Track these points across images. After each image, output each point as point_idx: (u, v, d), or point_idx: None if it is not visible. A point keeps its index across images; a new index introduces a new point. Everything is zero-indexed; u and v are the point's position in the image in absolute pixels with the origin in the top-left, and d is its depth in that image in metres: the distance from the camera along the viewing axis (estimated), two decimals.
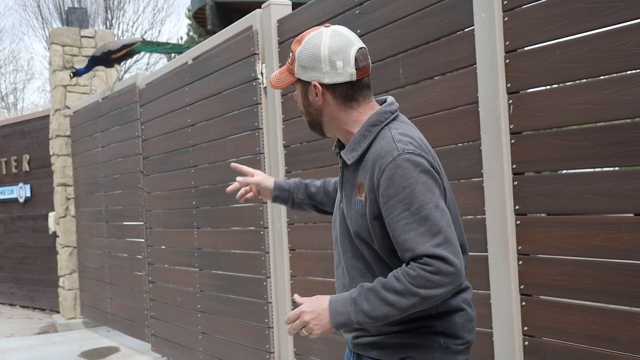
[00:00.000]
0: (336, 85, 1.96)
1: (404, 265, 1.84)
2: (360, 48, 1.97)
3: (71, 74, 7.95)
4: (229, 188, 2.51)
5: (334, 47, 1.94)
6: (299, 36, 2.01)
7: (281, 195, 2.40)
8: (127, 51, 7.52)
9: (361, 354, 2.05)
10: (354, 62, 1.94)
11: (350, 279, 2.03)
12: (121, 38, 23.87)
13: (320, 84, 1.96)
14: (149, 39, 9.15)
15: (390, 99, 2.06)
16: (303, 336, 1.95)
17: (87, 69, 7.86)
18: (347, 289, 2.02)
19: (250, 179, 2.42)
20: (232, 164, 2.52)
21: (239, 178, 2.45)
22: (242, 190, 2.43)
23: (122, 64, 7.72)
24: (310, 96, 2.00)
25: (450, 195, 2.00)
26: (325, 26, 2.01)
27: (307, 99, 2.01)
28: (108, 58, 7.57)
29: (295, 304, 2.27)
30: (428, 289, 1.78)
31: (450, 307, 1.95)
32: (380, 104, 2.05)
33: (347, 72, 1.94)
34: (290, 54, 2.01)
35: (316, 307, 1.89)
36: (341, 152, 2.01)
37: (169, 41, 7.97)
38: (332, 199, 2.36)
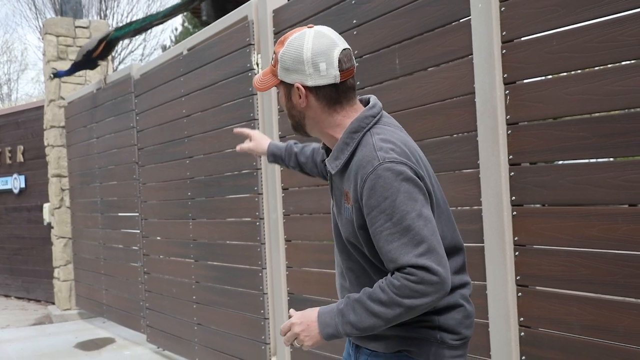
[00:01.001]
0: (319, 88, 1.92)
1: (388, 275, 1.82)
2: (344, 49, 1.92)
3: (51, 75, 7.89)
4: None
5: (317, 49, 1.89)
6: (282, 37, 1.97)
7: (275, 160, 2.54)
8: (105, 45, 7.36)
9: (360, 345, 2.06)
10: (337, 64, 1.90)
11: (348, 280, 2.05)
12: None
13: (303, 86, 1.92)
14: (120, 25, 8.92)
15: (372, 99, 2.02)
16: (296, 347, 1.97)
17: (69, 72, 7.77)
18: (346, 290, 2.05)
19: (245, 146, 2.60)
20: (235, 130, 2.68)
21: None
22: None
23: (106, 59, 7.62)
24: (293, 98, 1.96)
25: (441, 194, 1.98)
26: (308, 27, 1.96)
27: (291, 101, 1.98)
28: (90, 59, 7.45)
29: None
30: (412, 299, 1.76)
31: (448, 303, 1.95)
32: (364, 104, 2.02)
33: (330, 75, 1.90)
34: (273, 56, 1.97)
35: (305, 319, 1.91)
36: (325, 161, 2.01)
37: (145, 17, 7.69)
38: (320, 170, 2.43)
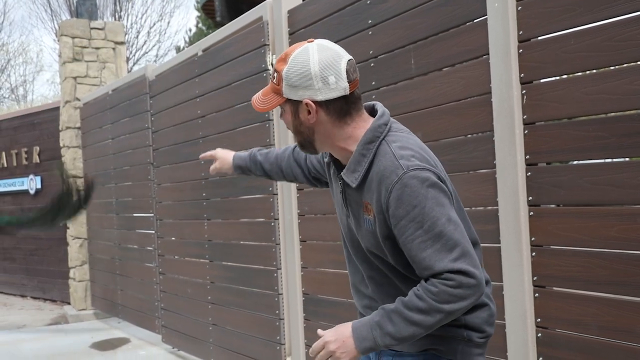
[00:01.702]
0: (330, 102, 1.89)
1: (422, 282, 1.82)
2: (349, 60, 1.90)
3: None
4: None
5: (324, 63, 1.86)
6: (283, 54, 1.92)
7: (241, 171, 2.55)
8: None
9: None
10: (345, 76, 1.87)
11: (371, 288, 2.03)
12: (130, 29, 23.89)
13: (313, 101, 1.89)
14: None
15: (379, 107, 1.99)
16: None
17: None
18: (366, 298, 2.05)
19: (212, 167, 2.61)
20: (201, 156, 2.69)
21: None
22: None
23: None
24: (301, 115, 1.92)
25: (456, 195, 1.98)
26: (308, 41, 1.93)
27: (299, 119, 1.93)
28: None
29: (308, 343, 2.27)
30: (452, 304, 1.77)
31: (479, 300, 1.94)
32: (369, 112, 2.00)
33: (340, 87, 1.87)
34: (276, 74, 1.91)
35: (340, 336, 1.86)
36: (342, 174, 1.95)
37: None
38: (285, 172, 2.43)
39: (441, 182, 1.84)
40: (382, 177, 1.83)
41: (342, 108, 1.91)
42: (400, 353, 1.99)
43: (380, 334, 1.82)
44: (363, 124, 1.94)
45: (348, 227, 2.05)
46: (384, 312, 1.84)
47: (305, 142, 1.98)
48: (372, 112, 2.00)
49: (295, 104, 1.91)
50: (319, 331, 1.91)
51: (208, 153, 2.63)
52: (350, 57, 1.93)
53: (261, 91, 1.99)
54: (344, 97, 1.89)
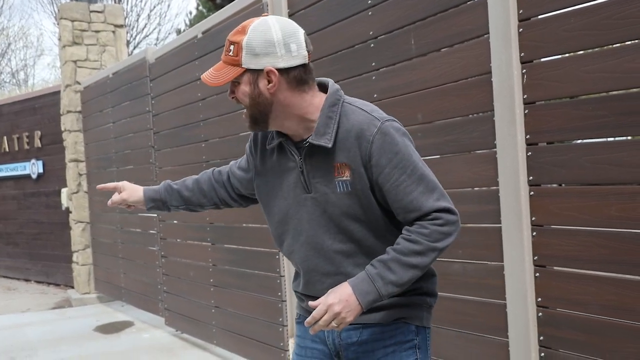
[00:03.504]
0: (290, 70, 1.91)
1: (408, 227, 1.89)
2: (304, 32, 1.96)
3: None
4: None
5: (285, 31, 1.90)
6: (239, 27, 1.93)
7: (155, 205, 2.34)
8: None
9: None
10: (304, 45, 1.93)
11: (335, 265, 2.00)
12: (130, 13, 23.79)
13: (275, 69, 1.90)
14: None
15: (325, 79, 2.03)
16: (332, 329, 1.90)
17: None
18: (336, 276, 1.99)
19: (117, 198, 2.33)
20: (98, 186, 2.39)
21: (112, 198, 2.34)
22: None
23: None
24: (261, 85, 1.92)
25: None
26: (263, 15, 1.97)
27: (258, 89, 1.92)
28: None
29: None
30: (442, 241, 1.87)
31: (429, 269, 2.05)
32: (318, 85, 2.02)
33: (301, 55, 1.91)
34: (233, 46, 1.91)
35: (342, 296, 1.86)
36: (310, 140, 1.93)
37: None
38: (209, 196, 2.33)
39: None
40: (360, 131, 1.90)
41: (302, 77, 1.94)
42: (366, 325, 2.02)
43: (383, 284, 1.86)
44: (319, 94, 1.99)
45: (306, 208, 2.00)
46: (380, 264, 1.88)
47: (260, 115, 1.97)
48: (319, 86, 2.03)
49: (255, 74, 1.92)
50: (311, 303, 1.90)
51: (110, 184, 2.35)
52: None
53: (212, 68, 1.97)
54: (302, 66, 1.93)
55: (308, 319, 1.88)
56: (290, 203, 2.04)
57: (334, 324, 1.85)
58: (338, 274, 1.99)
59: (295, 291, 2.18)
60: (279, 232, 2.11)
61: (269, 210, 2.14)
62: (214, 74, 1.95)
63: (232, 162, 2.35)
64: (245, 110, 2.00)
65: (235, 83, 1.96)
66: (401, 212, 1.90)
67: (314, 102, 1.97)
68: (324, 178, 1.96)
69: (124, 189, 2.33)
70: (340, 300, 1.85)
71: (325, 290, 1.94)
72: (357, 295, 1.86)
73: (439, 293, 2.12)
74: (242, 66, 1.92)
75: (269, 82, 1.91)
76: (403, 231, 1.90)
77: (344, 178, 1.93)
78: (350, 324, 1.92)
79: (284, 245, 2.11)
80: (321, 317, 1.85)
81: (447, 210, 1.88)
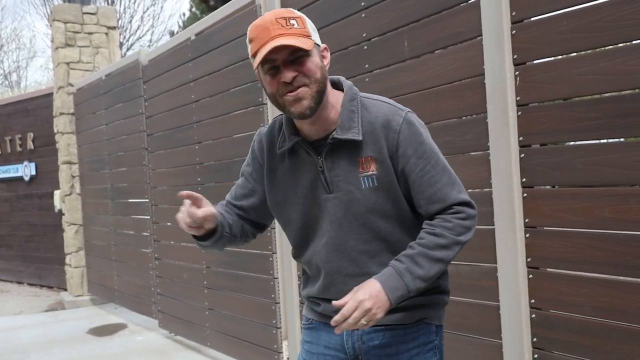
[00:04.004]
0: None
1: (429, 222, 1.87)
2: None
3: None
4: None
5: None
6: (284, 11, 1.85)
7: (212, 236, 2.00)
8: None
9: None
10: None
11: (359, 266, 1.94)
12: (123, 14, 23.76)
13: None
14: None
15: (339, 77, 2.01)
16: (360, 327, 1.79)
17: None
18: (360, 277, 1.91)
19: (200, 214, 1.85)
20: (182, 193, 1.85)
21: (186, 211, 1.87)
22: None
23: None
24: (324, 61, 1.89)
25: None
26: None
27: (322, 62, 1.88)
28: None
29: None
30: (465, 235, 1.87)
31: None
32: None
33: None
34: (295, 21, 1.81)
35: (372, 292, 1.78)
36: (335, 136, 1.87)
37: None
38: (242, 233, 2.11)
39: None
40: (386, 122, 1.87)
41: None
42: (388, 327, 1.96)
43: (411, 278, 1.81)
44: (332, 89, 1.94)
45: (327, 210, 1.93)
46: (407, 258, 1.83)
47: (323, 93, 1.87)
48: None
49: (318, 49, 1.89)
50: (336, 302, 1.80)
51: (192, 193, 1.86)
52: None
53: (278, 41, 1.78)
54: None
55: (336, 317, 1.76)
56: (308, 207, 1.96)
57: (363, 321, 1.76)
58: (363, 274, 1.92)
59: (308, 297, 2.09)
60: (300, 240, 2.02)
61: (285, 220, 2.03)
62: (295, 41, 1.78)
63: (223, 204, 2.14)
64: (301, 90, 1.82)
65: (304, 57, 1.82)
66: (424, 203, 1.88)
67: (335, 94, 1.93)
68: (347, 175, 1.89)
69: (204, 204, 1.88)
70: (371, 296, 1.77)
71: (348, 292, 1.84)
72: (386, 292, 1.79)
73: None
74: (311, 38, 1.85)
75: (325, 58, 1.90)
76: (425, 225, 1.88)
77: (369, 173, 1.88)
78: (371, 326, 1.86)
79: (305, 253, 2.01)
80: (351, 315, 1.76)
81: (468, 204, 1.89)
